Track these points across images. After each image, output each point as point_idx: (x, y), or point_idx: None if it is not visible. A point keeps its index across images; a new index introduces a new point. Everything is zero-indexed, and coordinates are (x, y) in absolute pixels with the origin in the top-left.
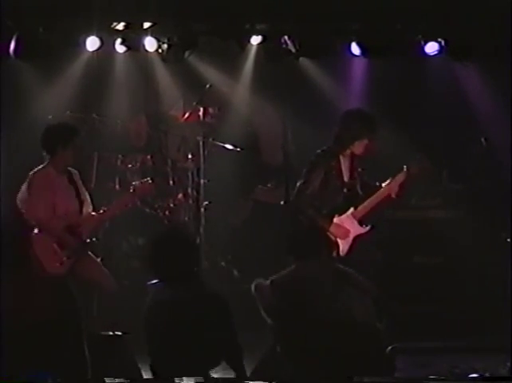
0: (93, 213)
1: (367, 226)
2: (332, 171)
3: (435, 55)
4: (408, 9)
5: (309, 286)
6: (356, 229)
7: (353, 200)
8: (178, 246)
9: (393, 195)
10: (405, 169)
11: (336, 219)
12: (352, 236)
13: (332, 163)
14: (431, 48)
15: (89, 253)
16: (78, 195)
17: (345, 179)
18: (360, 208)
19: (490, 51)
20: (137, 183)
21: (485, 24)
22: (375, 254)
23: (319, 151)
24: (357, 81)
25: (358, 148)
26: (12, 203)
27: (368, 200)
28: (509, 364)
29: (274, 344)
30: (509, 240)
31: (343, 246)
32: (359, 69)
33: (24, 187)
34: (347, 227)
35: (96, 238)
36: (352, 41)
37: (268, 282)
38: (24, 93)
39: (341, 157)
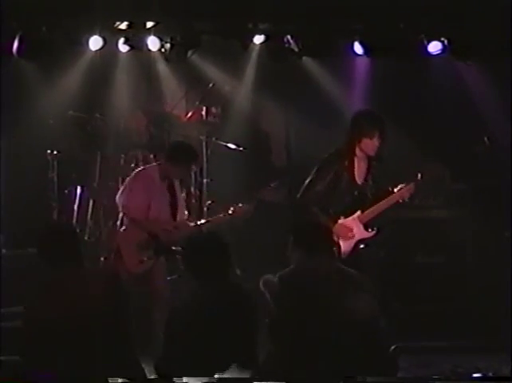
0: (189, 223)
1: (372, 230)
2: (344, 172)
3: (438, 54)
4: (411, 8)
5: (315, 282)
6: (360, 233)
7: (361, 203)
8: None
9: (401, 201)
10: (419, 177)
11: (341, 221)
12: (355, 239)
13: (345, 163)
14: (434, 47)
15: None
16: (173, 203)
17: (358, 181)
18: (367, 212)
19: (493, 50)
20: (237, 206)
21: (488, 23)
22: (377, 254)
23: (333, 150)
24: (360, 81)
25: (367, 146)
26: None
27: (377, 205)
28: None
29: (276, 341)
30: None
31: (345, 247)
32: (362, 69)
33: (127, 181)
34: (351, 228)
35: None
36: (355, 40)
37: (276, 277)
38: (27, 93)
39: (356, 159)
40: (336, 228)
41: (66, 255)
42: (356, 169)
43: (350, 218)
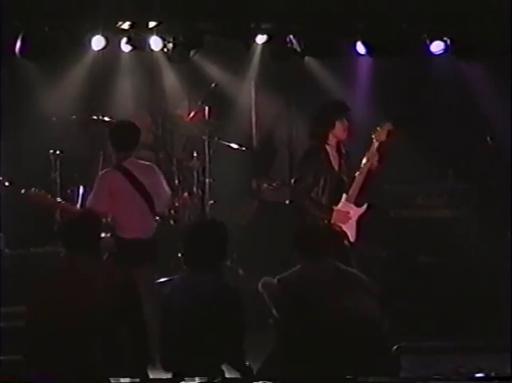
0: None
1: (363, 205)
2: (322, 164)
3: (441, 54)
4: (414, 8)
5: (315, 286)
6: (355, 211)
7: (343, 187)
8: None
9: (374, 167)
10: (374, 138)
11: (336, 208)
12: (354, 219)
13: (322, 155)
14: (437, 47)
15: None
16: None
17: (336, 168)
18: (351, 192)
19: (496, 50)
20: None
21: (490, 23)
22: (380, 253)
23: (308, 147)
24: (362, 80)
25: (339, 130)
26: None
27: (355, 181)
28: None
29: (278, 343)
30: None
31: (350, 232)
32: (364, 68)
33: None
34: (347, 211)
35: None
36: (358, 40)
37: (275, 279)
38: (29, 92)
39: (328, 148)
40: (335, 216)
41: (87, 243)
42: (331, 158)
43: (340, 203)
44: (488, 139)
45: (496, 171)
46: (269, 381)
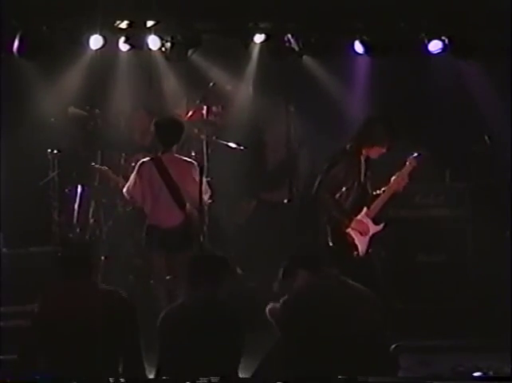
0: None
1: (380, 224)
2: (352, 171)
3: (439, 53)
4: (412, 7)
5: (319, 302)
6: (372, 228)
7: (366, 199)
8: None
9: (398, 190)
10: (408, 164)
11: (356, 218)
12: (370, 235)
13: (354, 161)
14: (435, 46)
15: None
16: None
17: (362, 179)
18: (372, 207)
19: (494, 49)
20: None
21: (489, 22)
22: (378, 253)
23: (343, 147)
24: (361, 80)
25: (374, 152)
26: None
27: (379, 198)
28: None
29: (277, 343)
30: None
31: (361, 246)
32: (362, 68)
33: None
34: (367, 224)
35: None
36: (356, 39)
37: (279, 303)
38: (27, 92)
39: (362, 158)
40: (356, 224)
41: (78, 270)
42: (361, 168)
43: (359, 216)
44: (486, 138)
45: (494, 170)
46: (267, 380)
